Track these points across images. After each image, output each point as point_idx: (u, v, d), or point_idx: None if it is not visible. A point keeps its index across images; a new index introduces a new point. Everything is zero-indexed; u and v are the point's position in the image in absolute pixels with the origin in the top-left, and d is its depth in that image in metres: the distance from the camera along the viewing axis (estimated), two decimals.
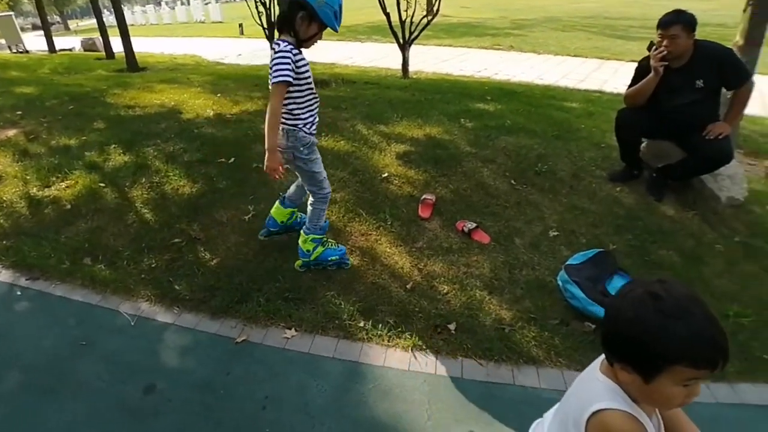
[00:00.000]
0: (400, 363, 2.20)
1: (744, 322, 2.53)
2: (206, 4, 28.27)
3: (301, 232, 2.57)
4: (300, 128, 2.28)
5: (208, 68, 9.38)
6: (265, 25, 7.86)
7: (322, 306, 2.48)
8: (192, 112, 4.82)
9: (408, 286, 2.61)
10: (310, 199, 2.51)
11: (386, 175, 3.52)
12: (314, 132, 2.35)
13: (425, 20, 7.67)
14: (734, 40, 4.29)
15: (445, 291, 2.59)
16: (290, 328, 2.36)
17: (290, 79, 2.11)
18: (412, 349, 2.27)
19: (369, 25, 17.29)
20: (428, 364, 2.21)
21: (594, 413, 0.91)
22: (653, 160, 3.52)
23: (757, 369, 2.32)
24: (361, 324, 2.38)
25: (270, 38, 7.93)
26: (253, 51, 12.82)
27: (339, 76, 7.22)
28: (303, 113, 2.28)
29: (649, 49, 3.07)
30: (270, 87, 2.16)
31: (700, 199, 3.35)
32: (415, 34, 7.49)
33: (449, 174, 3.57)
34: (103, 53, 11.40)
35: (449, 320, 2.41)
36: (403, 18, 7.37)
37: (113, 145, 4.09)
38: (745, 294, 2.72)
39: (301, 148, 2.30)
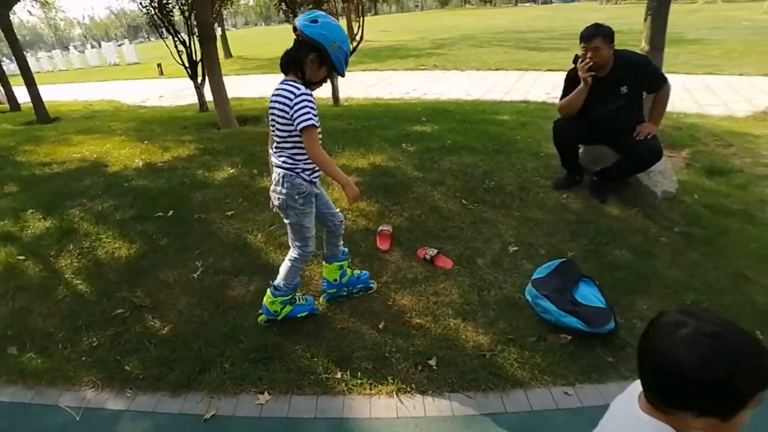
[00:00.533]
0: (386, 411, 2.08)
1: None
2: (119, 45, 27.07)
3: (268, 291, 2.40)
4: (299, 174, 2.14)
5: (130, 113, 8.89)
6: (187, 64, 7.59)
7: (294, 362, 2.31)
8: (118, 164, 4.48)
9: (380, 326, 2.50)
10: (290, 254, 2.36)
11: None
12: (315, 180, 2.21)
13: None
14: (641, 45, 4.64)
15: (418, 325, 2.50)
16: (263, 393, 2.17)
17: (317, 124, 2.00)
18: (396, 394, 2.15)
19: None
20: (416, 406, 2.10)
21: None
22: (591, 165, 3.69)
23: None
24: (339, 375, 2.24)
25: (192, 77, 7.66)
26: (175, 91, 12.34)
27: None
28: (305, 158, 2.12)
29: (575, 62, 3.23)
30: (300, 132, 1.99)
31: (639, 197, 3.54)
32: None
33: (401, 201, 3.53)
34: (7, 105, 10.49)
35: (429, 356, 2.32)
36: None
37: (30, 210, 3.69)
38: (695, 281, 2.87)
39: (296, 197, 2.16)
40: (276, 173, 2.17)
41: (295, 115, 1.97)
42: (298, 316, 2.50)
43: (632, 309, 2.66)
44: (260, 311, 2.52)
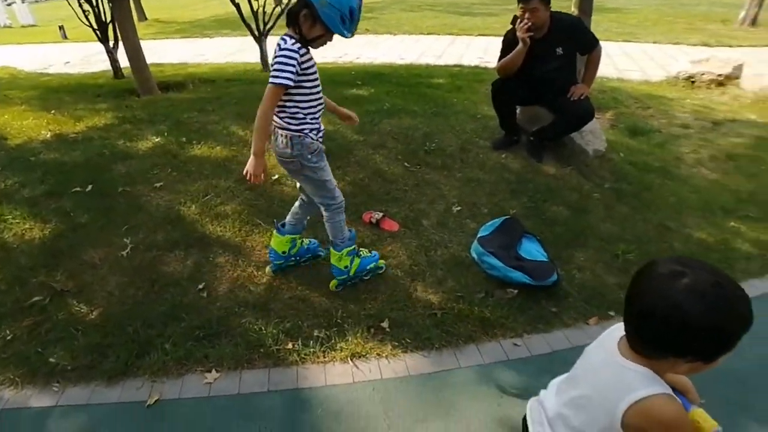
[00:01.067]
0: (342, 377, 2.05)
1: (631, 257, 2.84)
2: (9, 5, 23.82)
3: (332, 251, 2.34)
4: (306, 134, 2.04)
5: (30, 81, 7.86)
6: (95, 26, 6.82)
7: (242, 336, 2.20)
8: (21, 136, 3.96)
9: (332, 291, 2.44)
10: (326, 214, 2.28)
11: (276, 176, 3.26)
12: (321, 139, 2.13)
13: (278, 9, 7.29)
14: (571, 11, 4.76)
15: (368, 288, 2.47)
16: (210, 371, 2.05)
17: (291, 83, 1.88)
18: (351, 359, 2.12)
19: (214, 18, 16.12)
20: (372, 370, 2.08)
21: (635, 402, 0.89)
22: (528, 125, 3.78)
23: None
24: (290, 346, 2.16)
25: (102, 40, 6.91)
26: (84, 57, 11.10)
27: (194, 77, 6.57)
28: (310, 118, 2.05)
29: (513, 23, 3.22)
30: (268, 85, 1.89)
31: (572, 155, 3.68)
32: (270, 24, 7.09)
33: (343, 166, 3.43)
34: None
35: (381, 318, 2.30)
36: (255, 8, 6.91)
37: None
38: (625, 233, 3.06)
39: (309, 156, 2.07)
40: (279, 135, 2.05)
41: (272, 68, 1.88)
42: (367, 268, 2.46)
43: (571, 261, 2.79)
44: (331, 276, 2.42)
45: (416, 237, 2.86)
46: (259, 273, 2.53)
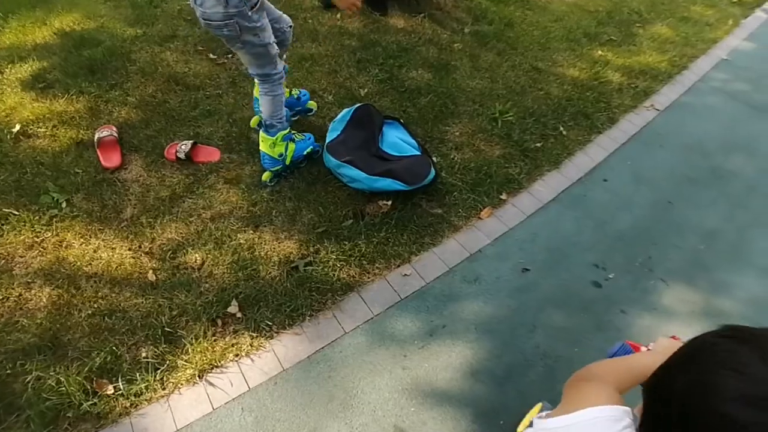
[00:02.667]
0: (196, 408, 1.44)
1: (511, 118, 2.40)
2: None
3: (263, 136, 1.90)
4: None
5: None
6: None
7: (32, 406, 1.41)
8: None
9: (148, 283, 1.69)
10: (264, 88, 1.82)
11: (19, 128, 2.11)
12: None
13: None
14: None
15: (199, 262, 1.76)
16: None
17: None
18: (201, 377, 1.50)
19: None
20: (234, 382, 1.50)
21: None
22: None
23: (541, 164, 2.26)
24: (110, 391, 1.45)
25: None
26: None
27: None
28: None
29: None
30: None
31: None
32: None
33: (120, 81, 2.35)
34: None
35: (226, 301, 1.65)
36: None
37: None
38: (497, 87, 2.58)
39: (249, 13, 1.59)
40: None
41: None
42: (304, 154, 2.06)
43: (445, 139, 2.28)
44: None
45: (249, 163, 2.09)
46: (32, 293, 1.65)
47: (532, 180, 2.18)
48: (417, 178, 1.93)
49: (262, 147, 1.92)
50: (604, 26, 3.22)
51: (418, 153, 2.05)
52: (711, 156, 2.47)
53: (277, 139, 1.89)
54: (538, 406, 1.44)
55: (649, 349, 0.95)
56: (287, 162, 1.98)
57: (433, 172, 1.97)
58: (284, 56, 2.04)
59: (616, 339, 1.71)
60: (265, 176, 2.00)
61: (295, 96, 2.23)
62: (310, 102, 2.32)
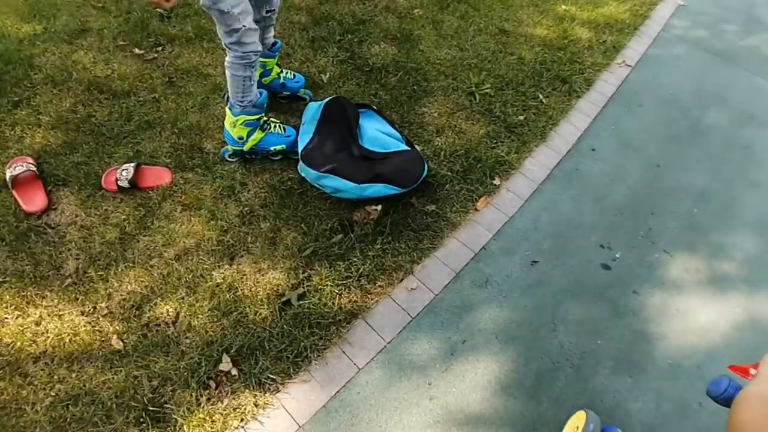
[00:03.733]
0: None
1: (488, 90, 2.21)
2: None
3: (227, 110, 1.71)
4: None
5: None
6: None
7: None
8: None
9: (115, 352, 1.39)
10: (227, 60, 1.60)
11: None
12: None
13: None
14: None
15: (173, 315, 1.47)
16: None
17: None
18: None
19: None
20: None
21: None
22: None
23: (528, 139, 2.11)
24: None
25: None
26: None
27: None
28: None
29: None
30: None
31: None
32: None
33: (25, 96, 1.91)
34: None
35: (216, 359, 1.40)
36: None
37: None
38: (467, 56, 2.37)
39: None
40: None
41: None
42: (272, 149, 1.81)
43: (424, 122, 2.07)
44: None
45: (207, 177, 1.78)
46: None
47: (522, 158, 2.03)
48: (411, 179, 1.72)
49: (225, 121, 1.74)
50: None
51: (405, 148, 1.82)
52: (688, 111, 2.42)
53: (237, 120, 1.69)
54: (580, 415, 1.36)
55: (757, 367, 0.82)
56: (246, 149, 1.79)
57: (425, 167, 1.76)
58: (270, 34, 1.86)
59: (633, 323, 1.68)
60: (226, 149, 1.84)
61: (281, 80, 1.99)
62: (303, 90, 2.05)
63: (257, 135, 1.76)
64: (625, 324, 1.65)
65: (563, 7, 2.78)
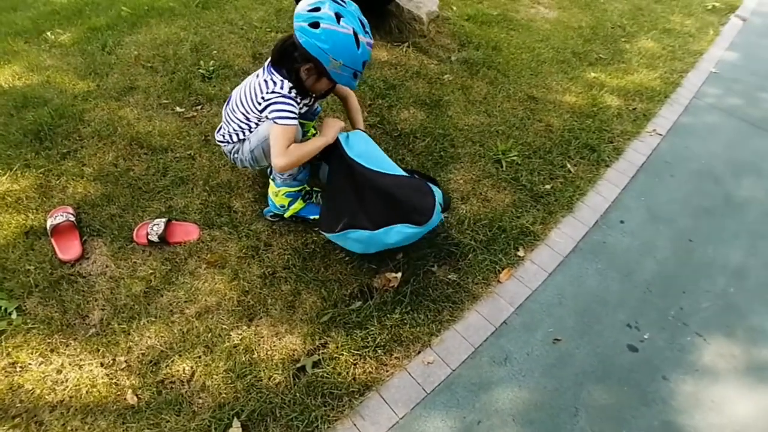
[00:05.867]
0: None
1: (515, 158, 2.22)
2: None
3: (270, 181, 1.81)
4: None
5: None
6: None
7: None
8: None
9: (128, 408, 1.39)
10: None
11: None
12: None
13: None
14: None
15: (188, 373, 1.48)
16: None
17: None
18: None
19: None
20: None
21: None
22: None
23: (555, 209, 2.09)
24: None
25: None
26: None
27: None
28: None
29: None
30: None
31: (403, 26, 2.73)
32: None
33: (73, 148, 2.04)
34: None
35: (227, 423, 1.38)
36: None
37: None
38: (495, 122, 2.41)
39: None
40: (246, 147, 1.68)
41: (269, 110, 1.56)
42: (311, 218, 1.89)
43: (450, 189, 2.09)
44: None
45: (232, 236, 1.83)
46: None
47: (548, 229, 2.01)
48: (425, 213, 1.58)
49: (269, 189, 1.82)
50: (591, 43, 3.10)
51: (402, 173, 1.68)
52: (722, 181, 2.36)
53: (280, 191, 1.77)
54: None
55: None
56: (286, 215, 1.87)
57: (436, 193, 1.64)
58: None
59: (663, 412, 1.58)
60: (268, 209, 1.90)
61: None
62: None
63: (298, 205, 1.83)
64: (654, 413, 1.55)
65: (592, 74, 2.81)
